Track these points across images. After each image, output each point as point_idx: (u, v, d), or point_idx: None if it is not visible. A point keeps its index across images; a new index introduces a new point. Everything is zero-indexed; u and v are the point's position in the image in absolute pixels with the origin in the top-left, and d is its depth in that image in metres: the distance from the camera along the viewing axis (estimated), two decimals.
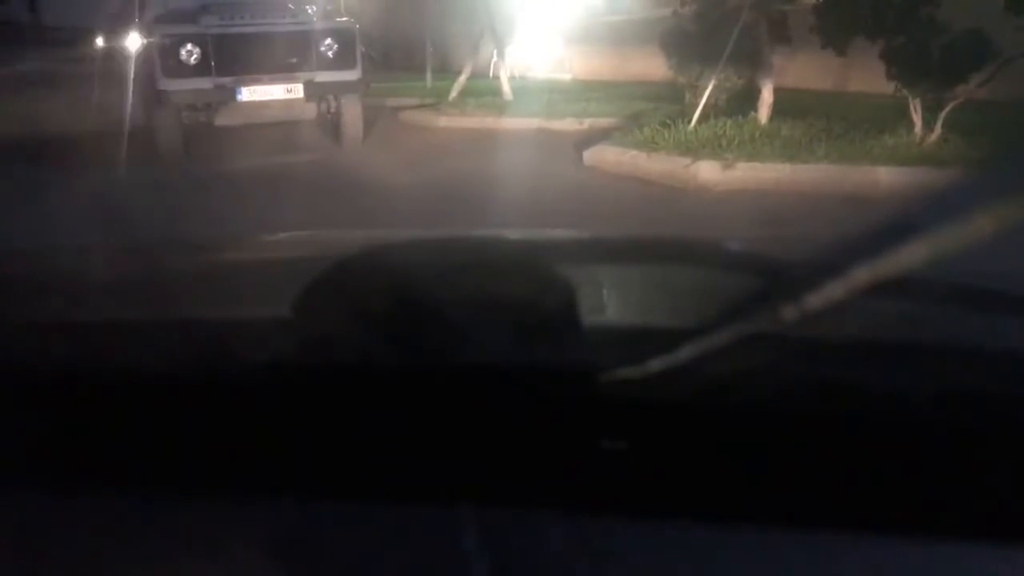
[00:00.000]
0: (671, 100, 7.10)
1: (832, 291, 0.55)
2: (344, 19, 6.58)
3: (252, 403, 0.64)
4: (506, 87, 8.80)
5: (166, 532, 0.58)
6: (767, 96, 5.59)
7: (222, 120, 6.29)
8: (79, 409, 0.65)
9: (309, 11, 6.50)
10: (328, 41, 6.25)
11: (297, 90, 6.17)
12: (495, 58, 9.79)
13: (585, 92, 9.11)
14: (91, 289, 0.83)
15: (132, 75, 6.38)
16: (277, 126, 6.49)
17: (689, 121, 5.57)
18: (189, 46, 5.96)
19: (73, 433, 0.65)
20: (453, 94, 8.65)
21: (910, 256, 0.53)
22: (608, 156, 5.36)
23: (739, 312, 0.58)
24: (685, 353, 0.56)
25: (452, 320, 0.64)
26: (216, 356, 0.66)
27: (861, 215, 3.66)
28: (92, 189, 4.88)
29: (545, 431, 0.61)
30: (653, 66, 7.86)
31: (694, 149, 4.97)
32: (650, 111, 6.90)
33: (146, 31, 6.29)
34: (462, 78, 8.90)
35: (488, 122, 7.47)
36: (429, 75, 10.93)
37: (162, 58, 5.96)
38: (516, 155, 5.79)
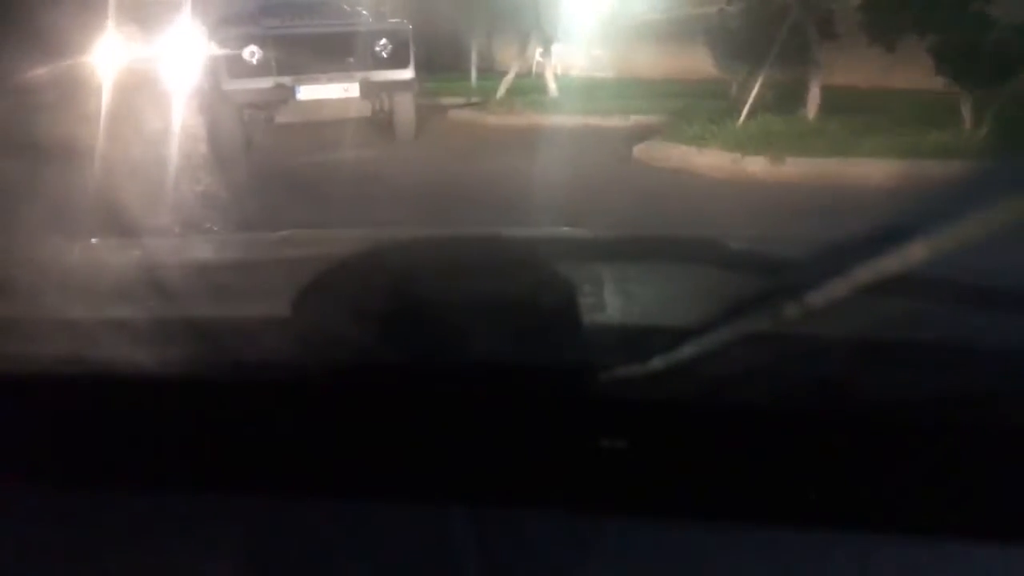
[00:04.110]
0: (715, 97, 7.18)
1: (833, 290, 0.54)
2: (397, 20, 6.80)
3: (251, 402, 0.64)
4: (552, 85, 8.95)
5: (163, 530, 0.58)
6: (815, 92, 5.67)
7: (282, 118, 6.55)
8: (78, 408, 0.65)
9: (363, 13, 6.72)
10: (383, 41, 6.47)
11: (353, 89, 6.39)
12: (538, 57, 9.94)
13: (628, 90, 9.21)
14: (90, 287, 0.83)
15: (192, 76, 6.65)
16: (333, 124, 6.72)
17: (737, 117, 5.67)
18: (251, 47, 6.21)
19: (72, 432, 0.65)
20: (500, 93, 8.82)
21: (910, 256, 0.52)
22: (657, 151, 5.48)
23: (739, 312, 0.57)
24: (685, 353, 0.56)
25: (452, 320, 0.63)
26: (215, 356, 0.65)
27: (911, 209, 3.69)
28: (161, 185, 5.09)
29: (545, 431, 0.61)
30: (694, 64, 7.94)
31: (743, 144, 5.07)
32: (695, 108, 6.98)
33: (208, 33, 6.56)
34: (509, 77, 9.06)
35: (535, 119, 7.64)
36: (474, 74, 11.11)
37: (225, 59, 6.22)
38: (566, 151, 5.94)
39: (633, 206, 4.15)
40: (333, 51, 6.31)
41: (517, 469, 0.60)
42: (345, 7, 6.83)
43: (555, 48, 10.54)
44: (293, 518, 0.58)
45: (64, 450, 0.64)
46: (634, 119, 7.34)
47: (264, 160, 6.17)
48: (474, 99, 9.36)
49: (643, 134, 6.05)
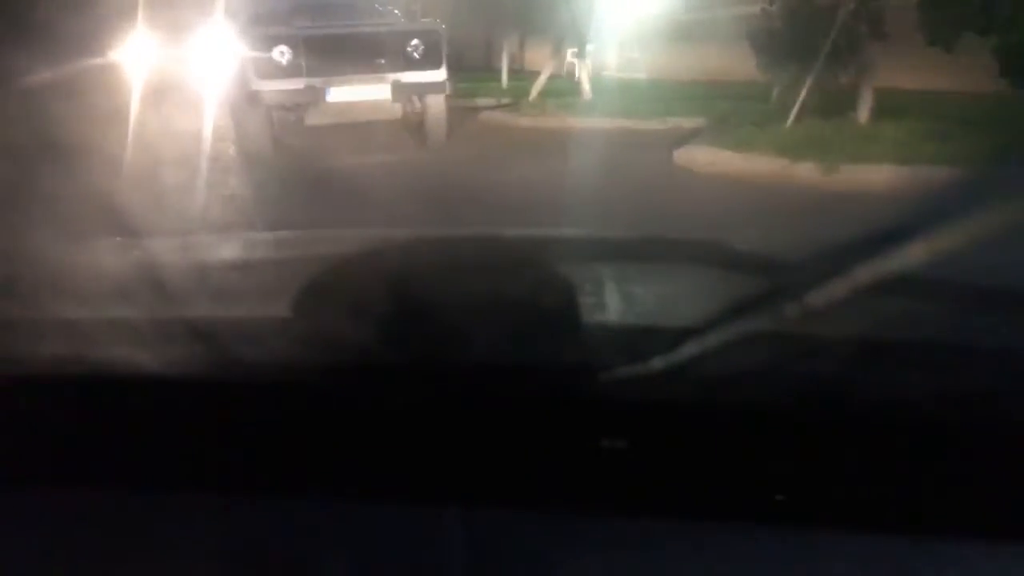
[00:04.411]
0: (755, 100, 6.94)
1: (833, 290, 0.55)
2: (429, 20, 6.61)
3: (251, 402, 0.63)
4: (586, 87, 8.74)
5: (162, 529, 0.58)
6: (867, 95, 5.41)
7: (311, 120, 6.39)
8: (78, 408, 0.65)
9: (396, 12, 6.56)
10: (415, 42, 6.29)
11: (384, 90, 6.22)
12: (570, 57, 9.74)
13: (663, 92, 8.98)
14: (90, 287, 0.82)
15: (221, 77, 6.53)
16: (363, 126, 6.56)
17: (783, 121, 5.43)
18: (281, 47, 6.06)
19: (72, 432, 0.64)
20: (533, 94, 8.63)
21: (910, 256, 0.53)
22: (700, 156, 5.26)
23: (739, 312, 0.58)
24: (685, 353, 0.55)
25: (452, 320, 0.63)
26: (215, 356, 0.65)
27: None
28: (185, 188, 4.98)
29: (545, 431, 0.60)
30: (732, 65, 7.71)
31: (792, 149, 4.84)
32: (737, 111, 6.76)
33: (238, 33, 6.43)
34: (542, 78, 8.87)
35: (570, 122, 7.43)
36: (505, 75, 10.94)
37: (254, 59, 6.08)
38: (604, 155, 5.72)
39: (679, 215, 3.93)
40: (364, 52, 6.14)
41: (517, 469, 0.60)
42: (377, 6, 6.66)
43: (589, 48, 10.40)
44: (293, 517, 0.58)
45: (64, 450, 0.64)
46: (672, 122, 7.12)
47: (293, 163, 6.03)
48: (505, 100, 9.18)
49: (683, 138, 5.84)
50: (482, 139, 7.15)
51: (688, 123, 6.91)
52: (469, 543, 0.56)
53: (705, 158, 5.21)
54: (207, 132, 6.35)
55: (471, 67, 13.13)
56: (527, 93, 8.86)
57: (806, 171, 4.59)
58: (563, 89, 9.11)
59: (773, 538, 0.55)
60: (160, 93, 6.67)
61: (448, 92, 6.57)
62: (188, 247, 1.19)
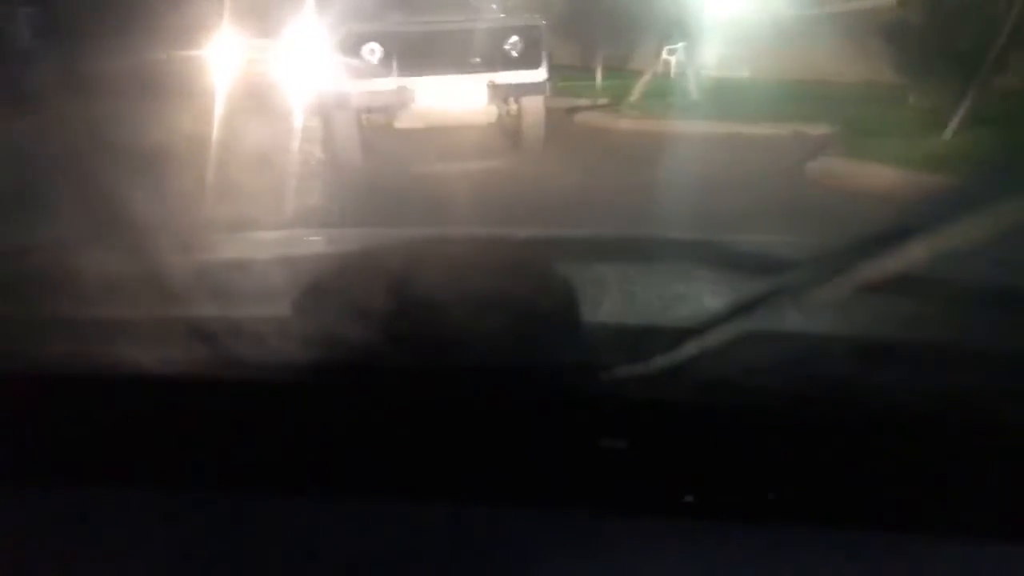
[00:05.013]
0: (884, 104, 6.20)
1: (833, 290, 0.57)
2: (529, 15, 6.08)
3: (251, 402, 0.64)
4: (692, 86, 8.10)
5: (162, 528, 0.58)
6: None
7: (401, 123, 5.96)
8: (78, 408, 0.65)
9: (493, 7, 6.08)
10: (513, 39, 5.80)
11: (479, 92, 5.75)
12: (665, 55, 9.13)
13: (772, 92, 8.24)
14: (91, 287, 0.81)
15: (308, 76, 6.19)
16: (455, 129, 6.12)
17: (937, 131, 4.73)
18: (372, 45, 5.66)
19: (72, 432, 0.65)
20: (635, 95, 8.04)
21: (910, 256, 0.54)
22: (839, 170, 4.60)
23: (739, 312, 0.58)
24: (685, 353, 0.56)
25: (452, 320, 0.63)
26: (215, 356, 0.65)
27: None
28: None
29: (545, 431, 0.61)
30: (844, 64, 7.01)
31: (960, 166, 4.14)
32: (866, 117, 6.03)
33: (326, 30, 6.05)
34: (646, 77, 8.28)
35: (676, 126, 6.80)
36: (599, 74, 10.35)
37: (344, 57, 5.70)
38: (722, 166, 5.07)
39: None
40: (459, 50, 5.68)
41: (517, 469, 0.60)
42: (472, 1, 6.19)
43: (685, 45, 9.77)
44: (293, 516, 0.58)
45: (64, 449, 0.65)
46: (790, 127, 6.43)
47: (381, 169, 5.64)
48: (601, 101, 8.62)
49: (809, 146, 5.18)
50: (580, 144, 6.61)
51: (812, 129, 6.21)
52: (469, 542, 0.56)
53: (846, 171, 4.55)
54: (292, 134, 6.06)
55: (561, 64, 12.60)
56: (624, 93, 8.28)
57: None
58: (664, 89, 8.50)
59: (772, 538, 0.55)
60: (244, 93, 6.43)
61: (547, 93, 6.07)
62: (188, 247, 1.17)
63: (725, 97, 7.96)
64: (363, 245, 0.90)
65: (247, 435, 0.63)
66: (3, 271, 0.89)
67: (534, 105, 5.96)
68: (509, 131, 6.23)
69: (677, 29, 8.61)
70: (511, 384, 0.62)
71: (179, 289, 0.81)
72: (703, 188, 4.21)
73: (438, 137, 6.01)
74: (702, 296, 0.83)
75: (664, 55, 9.57)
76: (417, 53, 5.64)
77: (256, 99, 6.20)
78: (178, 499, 0.60)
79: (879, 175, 4.38)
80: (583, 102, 8.60)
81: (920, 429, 0.58)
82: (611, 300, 0.83)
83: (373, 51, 5.65)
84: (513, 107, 6.11)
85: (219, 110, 5.87)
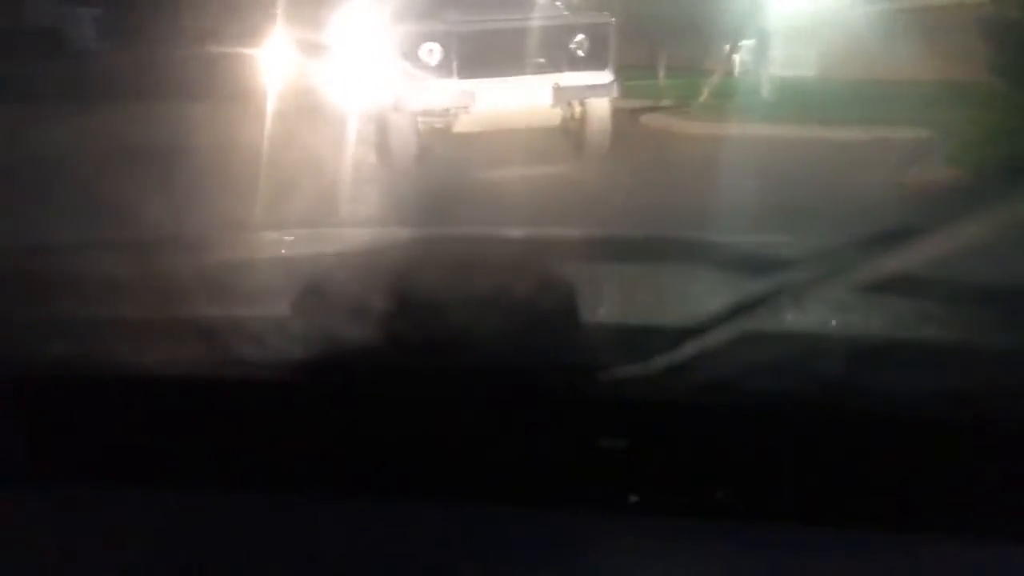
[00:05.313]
0: (977, 107, 5.67)
1: (833, 290, 0.59)
2: (597, 13, 5.71)
3: (251, 401, 0.64)
4: (765, 87, 7.65)
5: (161, 527, 0.58)
6: None
7: (460, 127, 5.66)
8: (78, 407, 0.65)
9: (557, 4, 5.74)
10: (579, 38, 5.46)
11: (543, 94, 5.42)
12: (728, 52, 8.70)
13: (848, 93, 7.77)
14: (91, 286, 0.80)
15: (364, 77, 5.93)
16: (514, 133, 5.79)
17: None
18: (430, 45, 5.37)
19: (72, 431, 0.64)
20: (703, 95, 7.62)
21: (910, 256, 0.54)
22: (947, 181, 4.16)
23: (739, 312, 0.58)
24: (685, 353, 0.56)
25: (452, 319, 0.63)
26: (215, 355, 0.65)
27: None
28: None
29: (545, 431, 0.61)
30: (926, 63, 6.55)
31: None
32: (962, 121, 5.54)
33: (383, 29, 5.78)
34: (714, 77, 7.86)
35: (751, 130, 6.37)
36: (662, 72, 9.92)
37: (399, 58, 5.42)
38: (815, 178, 4.61)
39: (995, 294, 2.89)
40: (522, 50, 5.35)
41: (517, 468, 0.60)
42: None
43: (751, 43, 9.33)
44: (293, 516, 0.58)
45: (64, 449, 0.64)
46: (875, 132, 5.97)
47: (438, 176, 5.35)
48: (664, 101, 8.22)
49: (902, 153, 4.73)
50: (649, 149, 6.23)
51: (900, 134, 5.75)
52: (469, 541, 0.55)
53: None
54: (346, 138, 5.82)
55: (622, 63, 12.20)
56: (687, 93, 7.86)
57: None
58: (731, 89, 8.07)
59: (773, 537, 0.55)
60: (298, 94, 6.23)
61: (615, 96, 5.71)
62: (189, 247, 1.14)
63: (798, 98, 7.50)
64: (363, 245, 0.90)
65: (247, 435, 0.63)
66: (4, 270, 0.89)
67: (600, 108, 5.62)
68: (572, 135, 5.89)
69: (742, 26, 8.17)
70: (511, 384, 0.61)
71: (179, 289, 0.81)
72: (802, 206, 3.73)
73: (497, 141, 5.69)
74: (702, 296, 0.81)
75: (727, 53, 9.15)
76: (478, 54, 5.34)
77: (310, 101, 5.98)
78: (177, 499, 0.60)
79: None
80: (645, 102, 8.19)
81: (920, 429, 0.58)
82: (611, 300, 0.83)
83: (432, 52, 5.36)
84: (577, 110, 5.77)
85: (272, 112, 5.72)
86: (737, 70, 8.54)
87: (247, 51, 7.20)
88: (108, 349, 0.66)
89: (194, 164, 4.87)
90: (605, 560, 0.54)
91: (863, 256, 0.57)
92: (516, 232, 1.39)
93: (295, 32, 6.53)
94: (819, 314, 0.60)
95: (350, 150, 5.58)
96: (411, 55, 5.39)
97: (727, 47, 8.89)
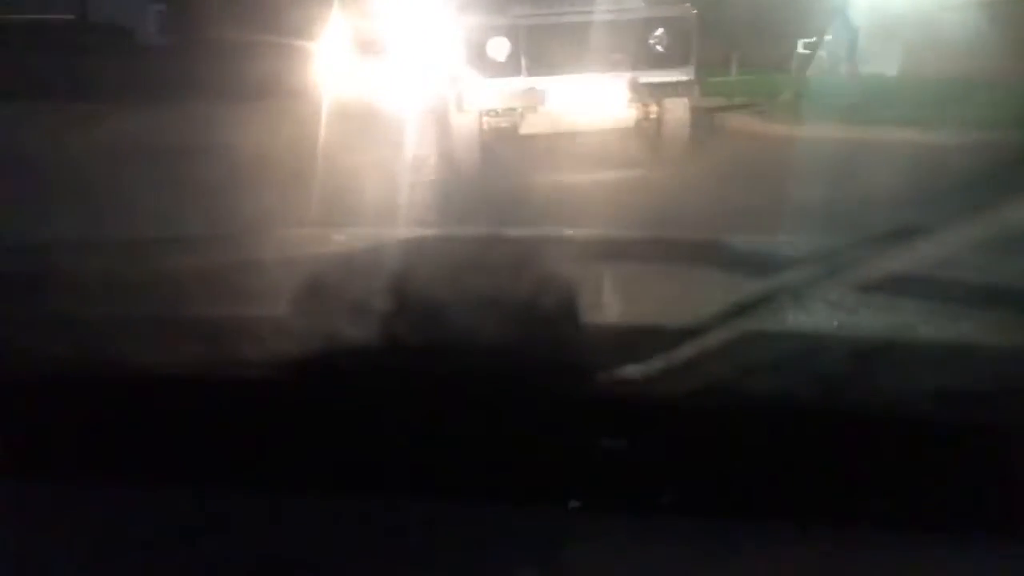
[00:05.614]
0: None
1: (833, 290, 0.60)
2: (678, 4, 5.29)
3: (250, 401, 0.65)
4: (847, 85, 7.15)
5: (161, 526, 0.58)
6: None
7: (527, 128, 5.32)
8: (78, 407, 0.65)
9: None
10: (659, 32, 5.06)
11: (618, 93, 5.05)
12: (800, 48, 8.24)
13: (939, 92, 7.20)
14: (92, 287, 0.81)
15: (426, 74, 5.64)
16: (585, 134, 5.41)
17: None
18: (497, 40, 5.03)
19: (72, 431, 0.65)
20: (785, 94, 7.14)
21: (911, 256, 0.55)
22: None
23: (739, 312, 0.59)
24: (685, 353, 0.57)
25: (452, 319, 0.63)
26: (215, 355, 0.66)
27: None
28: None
29: (545, 431, 0.62)
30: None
31: None
32: None
33: (448, 23, 5.45)
34: (802, 73, 7.39)
35: (839, 132, 5.87)
36: (734, 68, 9.45)
37: (464, 54, 5.10)
38: (917, 186, 4.15)
39: None
40: (597, 45, 4.96)
41: (517, 468, 0.60)
42: None
43: (828, 39, 8.82)
44: (292, 516, 0.59)
45: (64, 449, 0.65)
46: (975, 135, 5.44)
47: (504, 177, 5.01)
48: (737, 99, 7.76)
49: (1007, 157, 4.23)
50: (730, 153, 5.80)
51: (993, 136, 5.21)
52: (469, 541, 0.56)
53: None
54: (405, 140, 5.55)
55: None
56: (763, 90, 7.40)
57: None
58: (810, 87, 7.59)
59: (773, 537, 0.55)
60: (358, 90, 6.01)
61: (695, 95, 5.30)
62: (188, 247, 1.14)
63: (883, 98, 6.96)
64: (363, 245, 0.91)
65: (247, 435, 0.64)
66: (5, 269, 0.89)
67: (679, 108, 5.22)
68: (648, 137, 5.49)
69: (818, 21, 7.68)
70: (511, 384, 0.62)
71: (179, 289, 0.81)
72: (916, 221, 3.23)
73: (567, 143, 5.33)
74: (702, 296, 0.81)
75: (803, 50, 8.68)
76: (549, 49, 4.98)
77: (371, 98, 5.73)
78: (177, 498, 0.60)
79: None
80: (718, 101, 7.75)
81: (920, 428, 0.58)
82: (611, 300, 0.83)
83: (500, 47, 5.03)
84: (653, 109, 5.37)
85: (331, 111, 5.52)
86: (813, 67, 8.04)
87: (308, 46, 7.03)
88: (108, 349, 0.66)
89: (248, 164, 4.68)
90: (605, 559, 0.54)
91: (863, 256, 0.57)
92: (516, 232, 1.36)
93: (357, 26, 6.28)
94: (819, 314, 0.60)
95: (410, 152, 5.32)
96: (477, 51, 5.06)
97: (802, 43, 8.42)
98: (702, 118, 6.65)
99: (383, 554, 0.55)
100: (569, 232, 1.42)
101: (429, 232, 1.18)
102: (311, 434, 0.63)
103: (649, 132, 5.46)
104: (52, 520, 0.59)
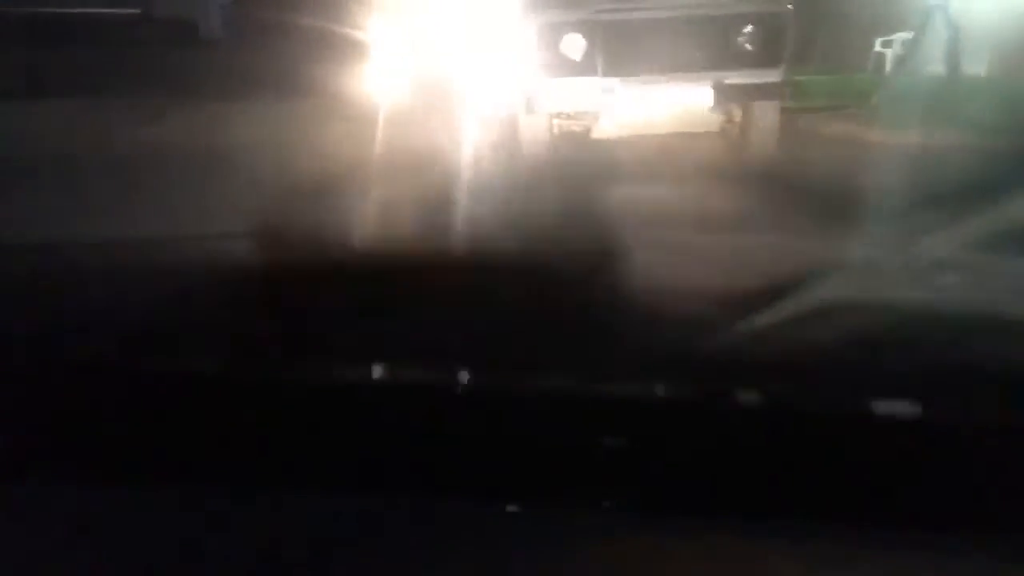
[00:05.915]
0: None
1: (834, 290, 0.60)
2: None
3: (250, 401, 0.64)
4: (953, 89, 6.61)
5: (161, 525, 0.58)
6: None
7: (601, 132, 4.94)
8: (78, 407, 0.65)
9: None
10: (748, 28, 4.64)
11: (703, 95, 4.64)
12: (878, 47, 7.71)
13: None
14: (92, 288, 0.81)
15: (493, 72, 5.31)
16: (662, 138, 5.01)
17: None
18: (573, 37, 4.67)
19: (73, 431, 0.65)
20: (876, 96, 6.64)
21: (911, 256, 0.57)
22: None
23: (741, 312, 0.59)
24: (687, 351, 0.58)
25: (453, 319, 0.64)
26: (215, 355, 0.66)
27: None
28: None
29: (546, 430, 0.62)
30: None
31: None
32: None
33: (517, 17, 5.10)
34: (897, 75, 6.89)
35: (947, 139, 5.33)
36: (811, 68, 8.93)
37: (535, 51, 4.74)
38: None
39: None
40: (679, 43, 4.58)
41: (517, 467, 0.61)
42: None
43: (911, 38, 8.27)
44: (292, 515, 0.59)
45: (65, 449, 0.65)
46: None
47: (575, 187, 4.64)
48: (816, 102, 7.27)
49: None
50: (823, 162, 5.31)
51: None
52: (469, 540, 0.56)
53: None
54: (467, 143, 5.23)
55: None
56: (843, 92, 6.88)
57: None
58: (897, 90, 7.06)
59: (774, 535, 0.55)
60: (421, 89, 5.73)
61: (786, 98, 4.86)
62: (188, 247, 1.15)
63: (982, 102, 6.38)
64: (363, 245, 0.90)
65: (247, 434, 0.63)
66: (6, 269, 0.89)
67: (769, 111, 4.80)
68: (732, 142, 5.07)
69: (898, 19, 7.17)
70: (512, 383, 0.62)
71: (179, 290, 0.81)
72: None
73: (642, 149, 4.93)
74: (705, 295, 0.79)
75: (878, 47, 8.16)
76: (628, 47, 4.60)
77: (435, 97, 5.44)
78: (177, 498, 0.60)
79: None
80: (801, 102, 7.27)
81: (920, 428, 0.58)
82: (613, 299, 0.82)
83: (574, 44, 4.66)
84: (737, 112, 4.95)
85: (390, 111, 5.25)
86: (892, 68, 7.52)
87: (368, 42, 6.81)
88: (107, 349, 0.66)
89: (301, 165, 4.44)
90: (605, 559, 0.54)
91: (864, 256, 0.58)
92: (515, 232, 1.35)
93: (420, 22, 5.99)
94: (819, 314, 0.59)
95: (470, 159, 5.01)
96: (548, 49, 4.71)
97: (879, 41, 7.90)
98: (791, 122, 6.21)
99: (383, 554, 0.56)
100: (569, 232, 1.39)
101: (426, 232, 1.13)
102: (310, 434, 0.63)
103: (734, 137, 5.04)
104: (52, 520, 0.59)
